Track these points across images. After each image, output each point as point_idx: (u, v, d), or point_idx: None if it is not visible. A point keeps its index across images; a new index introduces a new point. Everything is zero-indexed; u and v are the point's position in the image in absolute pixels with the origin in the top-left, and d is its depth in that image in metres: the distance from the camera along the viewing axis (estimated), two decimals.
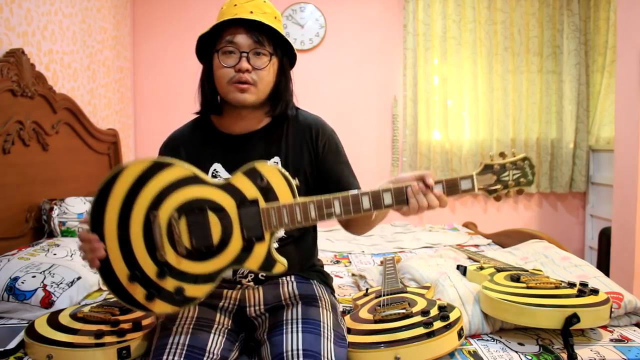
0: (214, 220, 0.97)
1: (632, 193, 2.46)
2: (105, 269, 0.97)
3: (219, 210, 0.98)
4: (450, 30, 3.39)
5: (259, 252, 0.98)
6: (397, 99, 3.48)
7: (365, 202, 1.00)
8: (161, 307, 0.98)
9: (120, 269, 0.97)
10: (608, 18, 3.26)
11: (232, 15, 1.09)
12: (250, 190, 0.99)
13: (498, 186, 1.06)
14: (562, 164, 3.47)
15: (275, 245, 1.17)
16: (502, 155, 1.08)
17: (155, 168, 0.98)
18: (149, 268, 0.97)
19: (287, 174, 1.00)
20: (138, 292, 0.97)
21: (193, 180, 0.98)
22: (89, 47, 2.72)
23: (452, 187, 1.02)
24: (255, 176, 1.00)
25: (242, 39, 1.09)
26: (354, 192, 1.00)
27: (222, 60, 1.10)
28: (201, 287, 0.98)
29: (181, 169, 0.98)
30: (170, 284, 0.97)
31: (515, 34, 3.42)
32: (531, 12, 3.41)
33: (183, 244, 0.96)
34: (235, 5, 1.11)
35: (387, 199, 1.00)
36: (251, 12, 1.09)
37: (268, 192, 0.99)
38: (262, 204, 0.98)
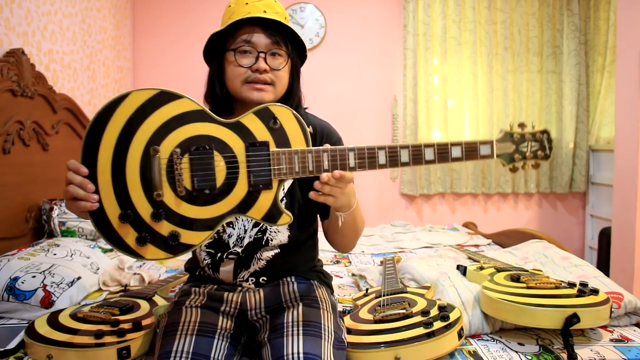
0: (219, 160, 0.91)
1: (632, 193, 2.46)
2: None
3: (226, 150, 0.92)
4: (450, 30, 3.39)
5: (264, 200, 0.92)
6: (397, 99, 3.48)
7: (381, 157, 0.95)
8: (153, 253, 0.90)
9: (112, 207, 0.88)
10: (608, 18, 3.26)
11: (245, 14, 1.06)
12: (261, 131, 0.93)
13: (516, 155, 1.03)
14: (562, 164, 3.47)
15: (277, 251, 1.17)
16: (521, 125, 1.05)
17: (161, 98, 0.90)
18: (144, 208, 0.89)
19: (301, 119, 0.95)
20: (129, 234, 0.89)
21: (201, 116, 0.92)
22: (89, 47, 2.72)
23: (471, 151, 0.99)
24: (267, 117, 0.94)
25: (260, 39, 1.07)
26: (371, 145, 0.95)
27: (237, 59, 1.08)
28: (198, 234, 0.90)
29: (189, 102, 0.91)
30: (165, 227, 0.89)
31: (515, 34, 3.42)
32: (531, 12, 3.41)
33: (183, 184, 0.89)
34: (247, 3, 1.08)
35: (404, 156, 0.95)
36: (265, 12, 1.07)
37: (280, 136, 0.93)
38: (273, 147, 0.93)
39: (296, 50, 1.16)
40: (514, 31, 3.42)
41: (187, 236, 0.90)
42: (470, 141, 0.99)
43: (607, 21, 3.27)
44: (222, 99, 1.14)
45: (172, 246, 0.90)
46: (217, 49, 1.13)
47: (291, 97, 1.17)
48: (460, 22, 3.39)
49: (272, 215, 0.93)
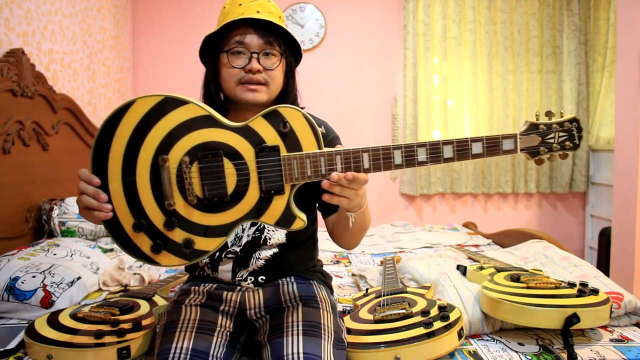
0: (229, 167, 0.89)
1: (632, 193, 2.46)
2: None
3: (236, 157, 0.90)
4: (450, 30, 3.39)
5: (277, 205, 0.91)
6: (397, 99, 3.48)
7: (397, 157, 0.91)
8: (168, 260, 0.91)
9: (125, 217, 0.90)
10: (608, 18, 3.26)
11: (239, 15, 1.07)
12: (270, 135, 0.91)
13: (542, 148, 0.96)
14: (562, 164, 3.46)
15: (276, 250, 1.17)
16: (548, 114, 0.98)
17: (166, 105, 0.89)
18: (156, 217, 0.90)
19: (312, 119, 0.92)
20: (144, 242, 0.91)
21: (208, 121, 0.90)
22: (89, 47, 2.72)
23: (492, 147, 0.93)
24: (277, 120, 0.91)
25: (252, 40, 1.08)
26: (386, 145, 0.92)
27: (231, 60, 1.08)
28: (212, 240, 0.91)
29: (195, 107, 0.89)
30: (178, 235, 0.90)
31: (515, 34, 3.42)
32: (531, 12, 3.41)
33: (194, 193, 0.89)
34: (240, 4, 1.09)
35: (421, 155, 0.91)
36: (258, 12, 1.07)
37: (290, 139, 0.90)
38: (284, 151, 0.90)
39: (291, 50, 1.16)
40: (514, 31, 3.42)
41: (201, 243, 0.91)
42: (492, 136, 0.93)
43: (607, 21, 3.27)
44: (218, 101, 1.15)
45: (187, 253, 0.91)
46: (212, 51, 1.14)
47: (286, 96, 1.17)
48: (460, 22, 3.39)
49: (285, 220, 0.93)
